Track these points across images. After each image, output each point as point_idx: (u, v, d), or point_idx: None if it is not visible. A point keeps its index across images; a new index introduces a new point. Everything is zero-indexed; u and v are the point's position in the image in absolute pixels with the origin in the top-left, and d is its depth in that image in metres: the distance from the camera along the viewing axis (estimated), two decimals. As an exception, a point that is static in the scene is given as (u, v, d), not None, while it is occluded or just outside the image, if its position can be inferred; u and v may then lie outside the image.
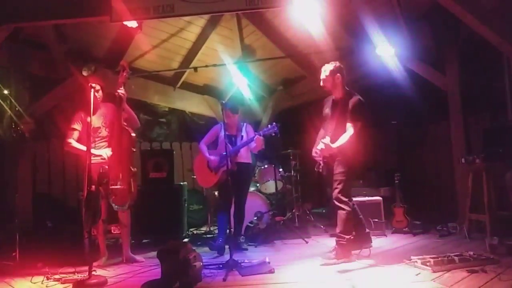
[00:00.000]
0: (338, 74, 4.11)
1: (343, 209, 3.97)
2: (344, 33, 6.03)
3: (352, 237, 3.98)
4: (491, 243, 3.99)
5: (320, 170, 4.19)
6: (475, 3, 4.40)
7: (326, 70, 4.14)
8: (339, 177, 4.02)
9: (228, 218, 4.53)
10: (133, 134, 4.15)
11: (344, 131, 3.99)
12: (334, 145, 3.95)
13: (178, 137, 8.23)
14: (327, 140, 3.91)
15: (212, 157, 4.89)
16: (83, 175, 3.58)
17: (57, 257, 4.23)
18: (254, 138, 4.71)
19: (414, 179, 6.27)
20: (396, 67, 5.62)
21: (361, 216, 4.25)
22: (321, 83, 4.19)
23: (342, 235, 3.98)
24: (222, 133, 4.89)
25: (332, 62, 4.18)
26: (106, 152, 4.09)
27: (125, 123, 4.14)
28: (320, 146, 4.00)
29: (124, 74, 4.20)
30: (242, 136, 4.94)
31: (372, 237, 4.38)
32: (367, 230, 4.28)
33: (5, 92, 5.00)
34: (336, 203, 4.02)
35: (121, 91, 4.13)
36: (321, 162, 4.19)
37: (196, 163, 5.21)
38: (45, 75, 6.09)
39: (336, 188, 4.03)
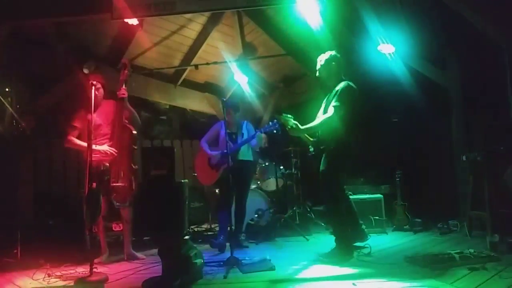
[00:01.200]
0: (333, 63, 4.05)
1: (329, 209, 3.94)
2: (345, 31, 6.02)
3: (347, 234, 3.98)
4: (492, 241, 3.99)
5: None
6: (476, 0, 4.39)
7: (321, 59, 4.09)
8: (320, 175, 3.94)
9: (229, 216, 4.54)
10: (135, 132, 4.15)
11: None
12: (303, 127, 3.82)
13: (179, 134, 8.23)
14: (292, 120, 3.78)
15: (213, 152, 4.88)
16: (84, 173, 3.59)
17: (58, 254, 4.25)
18: (255, 136, 4.71)
19: (415, 177, 6.27)
20: (397, 64, 5.61)
21: (355, 211, 4.18)
22: (317, 74, 4.13)
23: (337, 234, 3.97)
24: (223, 131, 4.89)
25: (328, 51, 4.12)
26: (104, 148, 4.08)
27: (126, 121, 4.15)
28: (288, 126, 3.83)
29: (126, 72, 4.20)
30: (242, 134, 4.94)
31: (372, 234, 4.38)
32: (362, 225, 4.26)
33: (6, 89, 5.00)
34: (323, 203, 3.98)
35: (123, 91, 4.12)
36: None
37: (197, 161, 5.21)
38: (46, 72, 6.09)
39: (321, 188, 3.97)
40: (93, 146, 3.93)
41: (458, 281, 3.10)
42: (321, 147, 3.99)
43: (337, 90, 3.92)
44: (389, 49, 5.46)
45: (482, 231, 4.67)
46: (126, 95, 4.14)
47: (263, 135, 4.77)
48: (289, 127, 3.86)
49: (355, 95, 3.94)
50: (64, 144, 4.20)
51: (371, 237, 4.39)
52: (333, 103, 3.84)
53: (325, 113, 3.96)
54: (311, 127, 3.90)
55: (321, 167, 3.93)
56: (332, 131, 3.88)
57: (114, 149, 4.09)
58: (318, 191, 4.18)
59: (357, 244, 4.16)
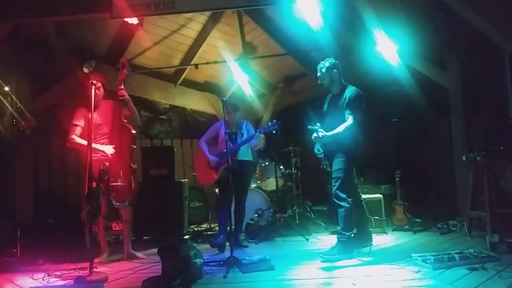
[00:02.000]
0: (335, 70, 4.14)
1: (342, 206, 3.98)
2: (345, 30, 6.02)
3: (352, 234, 3.99)
4: (491, 241, 3.99)
5: (325, 167, 4.20)
6: (477, 1, 4.39)
7: (322, 67, 4.17)
8: (337, 174, 4.04)
9: (228, 215, 4.53)
10: (133, 131, 4.15)
11: (340, 124, 3.99)
12: (329, 133, 3.97)
13: (179, 134, 8.22)
14: (320, 128, 3.95)
15: (211, 157, 4.88)
16: (84, 172, 3.58)
17: (58, 253, 4.25)
18: (255, 136, 4.72)
19: (415, 177, 6.27)
20: (397, 64, 5.61)
21: (367, 214, 4.31)
22: (319, 82, 4.23)
23: (342, 232, 3.99)
24: (222, 131, 4.90)
25: (327, 59, 4.21)
26: (108, 149, 4.09)
27: (125, 120, 4.14)
28: (314, 135, 4.01)
29: (124, 71, 4.19)
30: (242, 134, 4.94)
31: (372, 234, 4.39)
32: (370, 229, 4.30)
33: (6, 89, 4.99)
34: (335, 200, 4.04)
35: (121, 90, 4.11)
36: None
37: (196, 161, 5.20)
38: (46, 72, 6.08)
39: (334, 185, 4.04)
40: (95, 145, 3.94)
41: (458, 281, 3.10)
42: (336, 147, 4.07)
43: (348, 98, 4.03)
44: (390, 49, 5.46)
45: (482, 231, 4.67)
46: (125, 95, 4.13)
47: (262, 135, 4.77)
48: (315, 136, 4.02)
49: (364, 100, 4.11)
50: (66, 143, 4.19)
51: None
52: (349, 111, 3.99)
53: (334, 118, 4.09)
54: (336, 134, 4.00)
55: (338, 166, 4.04)
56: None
57: (113, 151, 4.09)
58: (320, 190, 4.23)
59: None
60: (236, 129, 4.98)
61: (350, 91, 4.07)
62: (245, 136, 4.89)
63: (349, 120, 3.96)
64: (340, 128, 3.97)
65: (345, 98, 4.04)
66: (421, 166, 6.60)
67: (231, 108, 4.84)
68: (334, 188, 4.04)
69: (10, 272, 3.83)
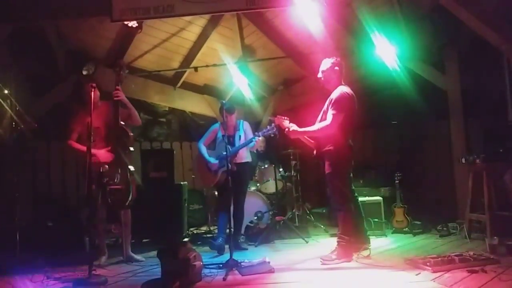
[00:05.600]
0: (337, 68, 4.16)
1: (340, 210, 3.99)
2: (344, 33, 6.03)
3: (352, 238, 3.99)
4: (491, 243, 3.99)
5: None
6: (476, 4, 4.41)
7: (326, 62, 4.21)
8: (328, 178, 4.05)
9: (228, 218, 4.53)
10: (131, 134, 4.14)
11: None
12: (301, 129, 4.05)
13: (178, 136, 8.23)
14: (288, 122, 4.06)
15: (211, 160, 4.88)
16: (83, 175, 3.58)
17: (57, 256, 4.24)
18: (254, 140, 4.73)
19: (414, 179, 6.27)
20: (396, 67, 5.62)
21: (363, 216, 4.27)
22: (319, 74, 4.24)
23: (342, 235, 3.99)
24: (220, 133, 4.91)
25: (333, 56, 4.24)
26: (103, 155, 4.08)
27: (122, 122, 4.13)
28: (285, 129, 4.09)
29: (121, 72, 4.19)
30: (240, 136, 4.94)
31: (372, 237, 4.38)
32: (367, 231, 4.29)
33: (6, 91, 4.99)
34: (334, 204, 4.06)
35: (118, 92, 4.10)
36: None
37: (195, 163, 5.20)
38: (46, 74, 6.08)
39: (329, 190, 4.06)
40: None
41: (458, 283, 3.09)
42: (323, 150, 4.08)
43: (333, 98, 4.03)
44: (389, 52, 5.47)
45: (482, 234, 4.67)
46: (121, 96, 4.13)
47: (261, 138, 4.77)
48: (287, 129, 4.09)
49: (351, 101, 4.05)
50: (63, 147, 4.19)
51: (370, 239, 4.39)
52: (331, 111, 3.98)
53: (323, 119, 4.09)
54: (308, 131, 4.10)
55: (327, 170, 4.05)
56: (332, 135, 4.00)
57: (109, 153, 4.07)
58: (319, 192, 4.24)
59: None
60: (233, 131, 4.99)
61: (337, 91, 4.06)
62: (242, 137, 4.91)
63: (327, 120, 3.97)
64: (314, 127, 4.03)
65: (331, 99, 4.06)
66: (421, 169, 6.61)
67: (226, 110, 4.82)
68: (330, 193, 4.06)
69: (9, 275, 3.82)
